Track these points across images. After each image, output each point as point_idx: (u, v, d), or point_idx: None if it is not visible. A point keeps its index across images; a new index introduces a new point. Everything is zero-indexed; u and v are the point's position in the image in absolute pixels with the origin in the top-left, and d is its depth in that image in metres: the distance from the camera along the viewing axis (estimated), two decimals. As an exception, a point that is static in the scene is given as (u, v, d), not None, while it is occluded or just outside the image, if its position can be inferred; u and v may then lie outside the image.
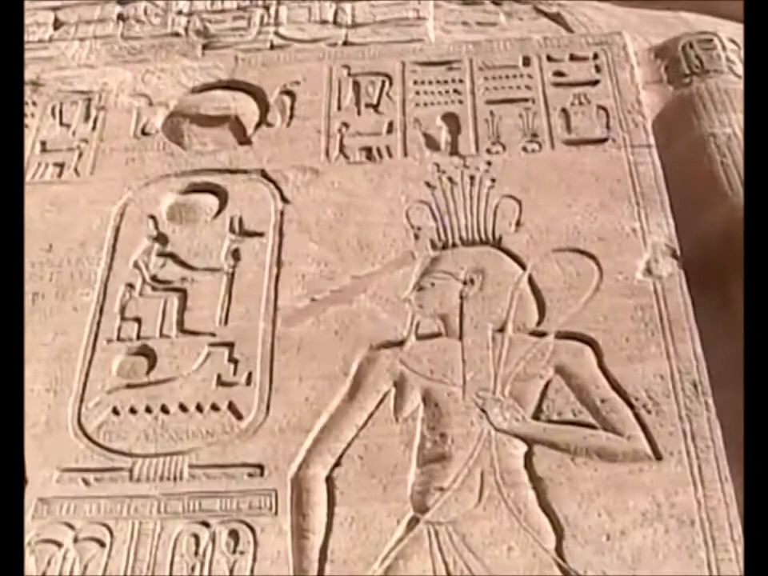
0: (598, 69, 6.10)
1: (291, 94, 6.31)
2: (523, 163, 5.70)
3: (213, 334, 5.29)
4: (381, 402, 4.93)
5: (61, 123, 6.38)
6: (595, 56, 6.17)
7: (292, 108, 6.24)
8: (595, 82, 6.04)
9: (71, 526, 4.75)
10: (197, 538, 4.66)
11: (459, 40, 6.51)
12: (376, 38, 6.58)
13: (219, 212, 5.82)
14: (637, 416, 4.66)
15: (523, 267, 5.25)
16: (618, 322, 4.95)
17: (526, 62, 6.21)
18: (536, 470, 4.59)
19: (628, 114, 5.84)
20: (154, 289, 5.55)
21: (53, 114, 6.44)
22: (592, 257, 5.22)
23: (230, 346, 5.25)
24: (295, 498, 4.70)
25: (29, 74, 6.69)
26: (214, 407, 5.04)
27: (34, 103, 6.51)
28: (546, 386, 4.82)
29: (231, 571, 4.55)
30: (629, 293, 5.06)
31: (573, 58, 6.18)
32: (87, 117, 6.40)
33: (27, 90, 6.58)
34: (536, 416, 4.75)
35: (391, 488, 4.65)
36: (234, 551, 4.60)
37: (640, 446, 4.58)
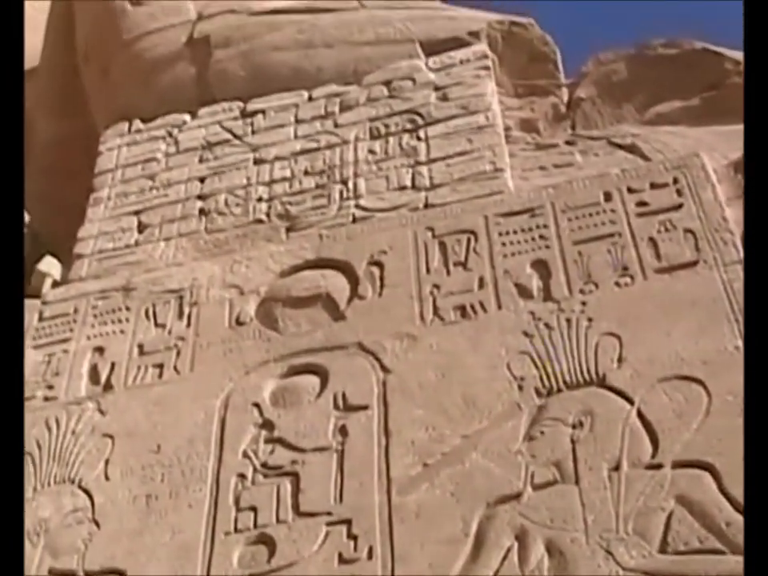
0: (679, 193, 6.65)
1: (379, 264, 6.97)
2: (617, 298, 6.23)
3: (329, 513, 5.80)
4: (504, 557, 5.35)
5: (156, 324, 7.15)
6: (675, 180, 6.73)
7: (381, 277, 6.89)
8: (679, 206, 6.58)
9: None
10: None
11: (538, 185, 7.15)
12: (456, 196, 7.23)
13: (322, 391, 6.40)
14: (764, 535, 5.04)
15: (631, 402, 5.72)
16: (733, 442, 5.33)
17: (608, 197, 6.79)
18: (670, 603, 4.98)
19: (716, 232, 6.35)
20: (265, 476, 6.12)
21: (146, 316, 7.22)
22: (698, 381, 5.67)
23: (348, 522, 5.73)
24: None
25: (119, 279, 7.53)
26: (339, 586, 5.55)
27: (128, 308, 7.31)
28: (669, 517, 5.20)
29: None
30: (740, 411, 5.45)
31: (653, 185, 6.75)
32: (181, 314, 7.16)
33: (119, 295, 7.40)
34: (662, 549, 5.12)
35: (526, 643, 5.08)
36: None
37: (771, 565, 4.95)
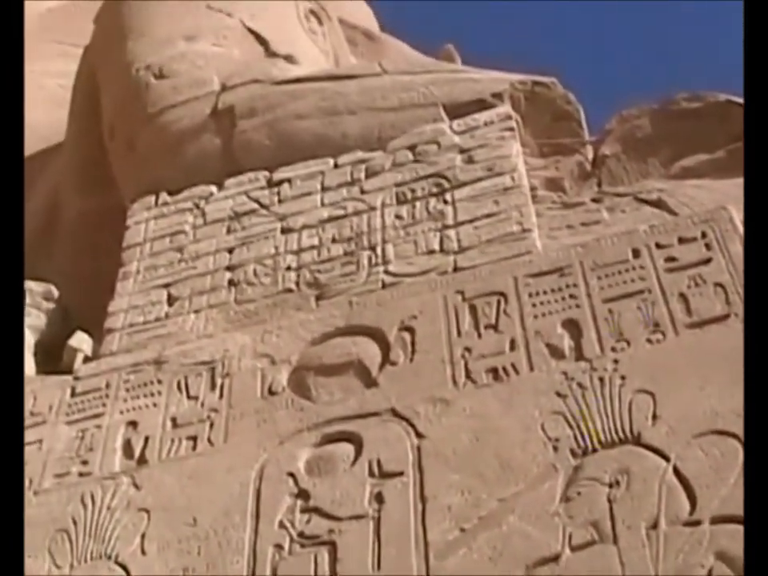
0: (708, 247, 6.77)
1: (410, 329, 7.10)
2: (649, 355, 6.35)
3: (367, 581, 5.94)
4: (545, 620, 5.48)
5: (188, 397, 7.31)
6: (703, 234, 6.85)
7: (413, 342, 7.02)
8: (708, 260, 6.69)
9: None
10: None
11: (567, 244, 7.29)
12: (485, 258, 7.37)
13: (356, 458, 6.52)
14: (806, 587, 5.11)
15: (666, 459, 5.81)
16: (771, 497, 5.46)
17: (636, 253, 6.92)
18: None
19: (746, 285, 6.48)
20: (302, 546, 6.24)
21: (179, 388, 7.38)
22: (734, 435, 5.76)
23: (387, 589, 5.87)
24: None
25: (150, 353, 7.71)
26: (379, 652, 5.67)
27: (159, 381, 7.48)
28: (709, 574, 5.29)
29: None
30: (777, 465, 5.57)
31: (681, 240, 6.88)
32: (213, 386, 7.31)
33: (151, 369, 7.57)
34: (703, 607, 5.23)
35: None
36: None
37: (814, 618, 5.02)
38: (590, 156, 8.52)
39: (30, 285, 8.99)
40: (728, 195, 7.20)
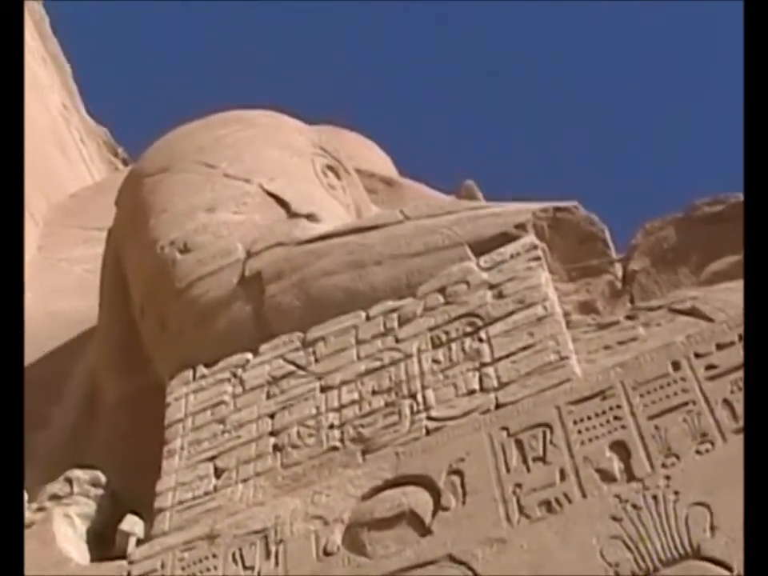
0: (747, 349, 7.01)
1: (459, 472, 7.30)
2: (701, 466, 6.53)
3: None
4: None
5: (244, 567, 7.50)
6: (740, 337, 7.06)
7: (463, 485, 7.22)
8: (748, 363, 6.93)
9: None
10: None
11: (606, 366, 7.53)
12: (525, 391, 7.60)
13: (418, 609, 6.70)
14: None
15: (730, 569, 5.96)
16: (837, 597, 5.58)
17: (676, 366, 7.15)
18: None
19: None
20: None
21: (234, 560, 7.58)
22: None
23: None
24: None
25: (202, 528, 7.93)
26: None
27: (214, 555, 7.68)
28: None
29: None
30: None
31: (719, 346, 7.11)
32: (268, 554, 7.51)
33: (204, 544, 7.78)
34: None
35: None
36: None
37: None
38: (620, 274, 8.77)
39: (76, 473, 9.31)
40: (760, 292, 7.44)
